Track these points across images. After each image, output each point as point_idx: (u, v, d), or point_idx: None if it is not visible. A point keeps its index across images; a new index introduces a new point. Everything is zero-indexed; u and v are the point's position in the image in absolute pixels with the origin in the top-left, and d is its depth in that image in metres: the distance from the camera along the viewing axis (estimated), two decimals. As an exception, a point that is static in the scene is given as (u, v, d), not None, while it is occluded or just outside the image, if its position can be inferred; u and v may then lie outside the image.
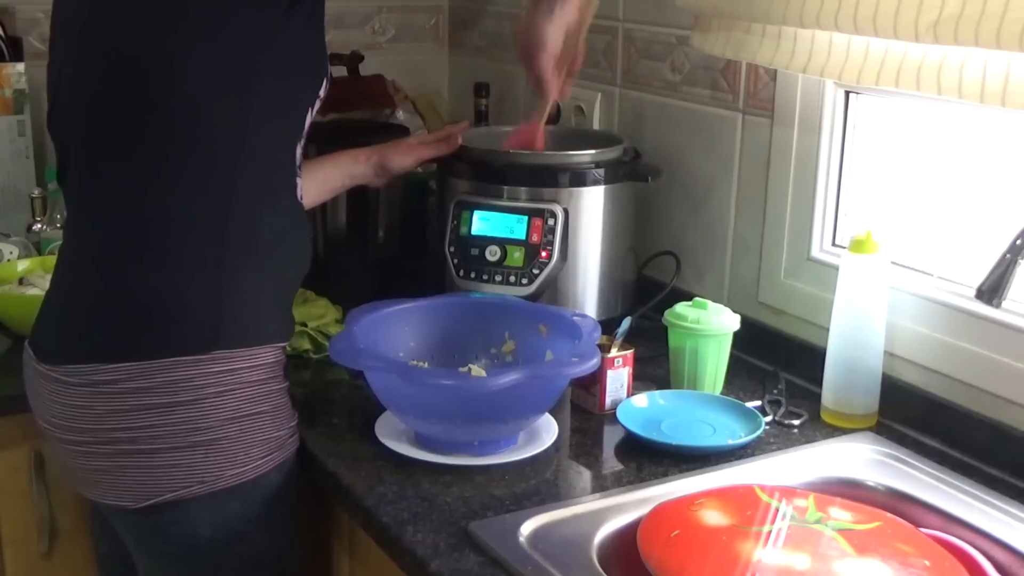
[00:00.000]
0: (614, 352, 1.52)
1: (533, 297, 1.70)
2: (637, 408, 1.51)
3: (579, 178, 1.72)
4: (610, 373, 1.52)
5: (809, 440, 1.47)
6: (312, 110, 1.37)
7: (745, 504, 1.23)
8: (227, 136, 1.28)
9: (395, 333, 1.52)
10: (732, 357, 1.61)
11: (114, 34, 1.27)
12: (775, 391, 1.59)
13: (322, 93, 1.38)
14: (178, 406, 1.28)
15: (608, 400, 1.53)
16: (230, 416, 1.30)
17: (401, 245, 2.05)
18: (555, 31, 1.51)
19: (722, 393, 1.59)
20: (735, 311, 1.60)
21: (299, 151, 1.38)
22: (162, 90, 1.25)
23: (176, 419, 1.28)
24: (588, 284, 1.77)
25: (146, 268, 1.29)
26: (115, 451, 1.30)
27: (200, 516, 1.33)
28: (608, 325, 1.59)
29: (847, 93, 1.60)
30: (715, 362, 1.58)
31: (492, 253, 1.72)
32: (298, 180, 1.39)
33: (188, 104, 1.25)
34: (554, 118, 1.60)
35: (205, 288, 1.29)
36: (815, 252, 1.66)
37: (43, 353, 1.34)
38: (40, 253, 1.99)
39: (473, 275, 1.73)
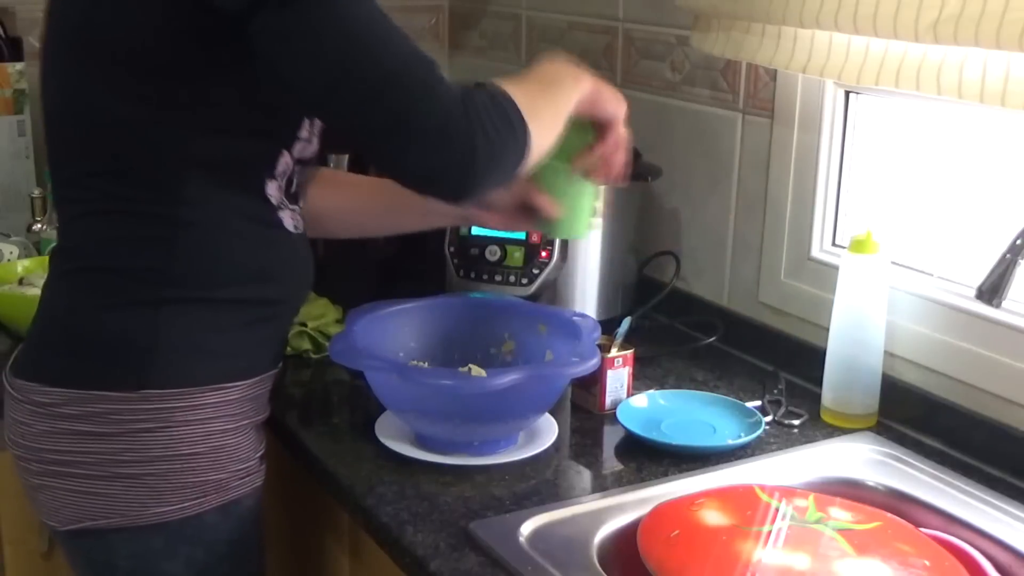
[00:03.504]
0: (614, 352, 1.52)
1: (533, 297, 1.70)
2: (637, 408, 1.51)
3: (579, 178, 1.72)
4: (610, 373, 1.52)
5: (809, 440, 1.47)
6: (293, 151, 1.30)
7: (745, 504, 1.23)
8: (175, 175, 1.23)
9: (395, 333, 1.52)
10: (732, 357, 1.61)
11: (59, 80, 1.26)
12: (775, 391, 1.59)
13: (303, 134, 1.31)
14: (104, 436, 1.25)
15: (608, 400, 1.53)
16: (159, 455, 1.26)
17: (401, 245, 2.04)
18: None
19: (722, 393, 1.58)
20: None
21: (276, 187, 1.30)
22: (106, 136, 1.23)
23: (101, 448, 1.25)
24: (588, 284, 1.77)
25: (88, 298, 1.26)
26: (46, 471, 1.28)
27: (118, 549, 1.29)
28: (608, 325, 1.59)
29: (847, 93, 1.60)
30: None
31: (492, 253, 1.72)
32: (281, 215, 1.32)
33: (131, 144, 1.22)
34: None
35: (144, 325, 1.25)
36: (815, 252, 1.66)
37: (10, 364, 1.34)
38: (40, 253, 1.99)
39: (473, 275, 1.73)
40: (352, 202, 1.55)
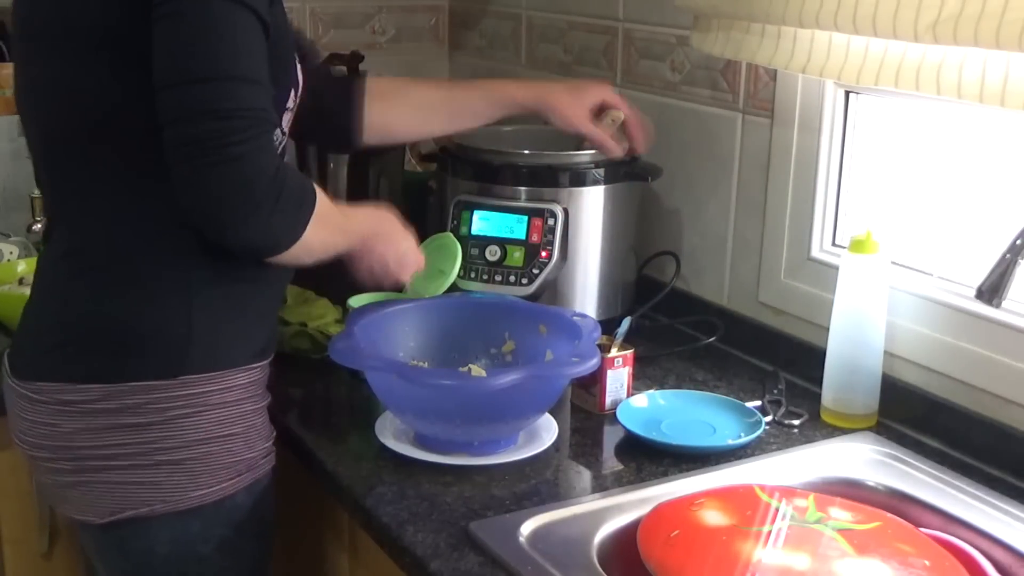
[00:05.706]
0: (614, 352, 1.52)
1: (533, 297, 1.70)
2: (637, 408, 1.51)
3: (579, 178, 1.72)
4: (610, 373, 1.52)
5: (809, 440, 1.47)
6: (282, 123, 1.32)
7: (745, 504, 1.23)
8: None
9: (395, 333, 1.52)
10: (732, 357, 1.61)
11: (54, 68, 1.25)
12: (775, 391, 1.59)
13: (291, 104, 1.34)
14: (145, 426, 1.27)
15: (608, 400, 1.53)
16: (198, 438, 1.29)
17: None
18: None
19: (722, 393, 1.59)
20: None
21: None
22: (110, 123, 1.23)
23: (141, 438, 1.27)
24: (588, 284, 1.77)
25: (113, 291, 1.27)
26: (81, 467, 1.29)
27: (158, 535, 1.31)
28: (608, 325, 1.59)
29: (847, 93, 1.60)
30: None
31: (492, 253, 1.72)
32: None
33: (140, 134, 1.22)
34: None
35: (174, 313, 1.27)
36: (815, 252, 1.66)
37: (14, 368, 1.33)
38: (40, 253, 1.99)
39: (473, 275, 1.73)
40: (418, 112, 1.67)
